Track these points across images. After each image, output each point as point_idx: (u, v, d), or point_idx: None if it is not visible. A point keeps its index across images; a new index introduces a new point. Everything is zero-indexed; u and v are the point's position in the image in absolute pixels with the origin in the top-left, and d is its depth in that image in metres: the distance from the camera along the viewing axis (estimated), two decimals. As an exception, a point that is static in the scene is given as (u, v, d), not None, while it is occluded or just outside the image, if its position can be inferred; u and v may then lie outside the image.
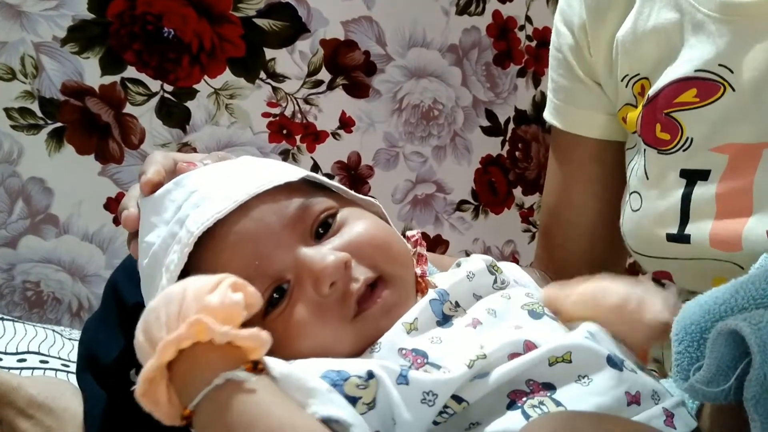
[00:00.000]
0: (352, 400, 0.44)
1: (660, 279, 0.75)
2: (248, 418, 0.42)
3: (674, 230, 0.62)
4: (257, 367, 0.44)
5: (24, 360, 0.76)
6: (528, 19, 1.24)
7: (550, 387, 0.46)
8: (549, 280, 0.78)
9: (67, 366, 0.76)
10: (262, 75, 1.07)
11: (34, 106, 1.00)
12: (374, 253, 0.51)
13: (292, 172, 0.54)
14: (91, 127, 1.02)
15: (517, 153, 1.26)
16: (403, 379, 0.45)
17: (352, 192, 0.57)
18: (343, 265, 0.49)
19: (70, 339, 0.83)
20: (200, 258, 0.50)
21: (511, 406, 0.45)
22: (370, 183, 1.16)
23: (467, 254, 1.22)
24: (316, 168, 1.12)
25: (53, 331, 0.84)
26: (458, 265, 0.56)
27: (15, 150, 1.00)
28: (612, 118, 0.72)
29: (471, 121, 1.21)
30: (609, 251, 0.76)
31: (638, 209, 0.66)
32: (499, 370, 0.46)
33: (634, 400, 0.46)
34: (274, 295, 0.50)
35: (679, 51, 0.62)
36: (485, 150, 1.23)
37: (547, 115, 0.76)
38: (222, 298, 0.44)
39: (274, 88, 1.08)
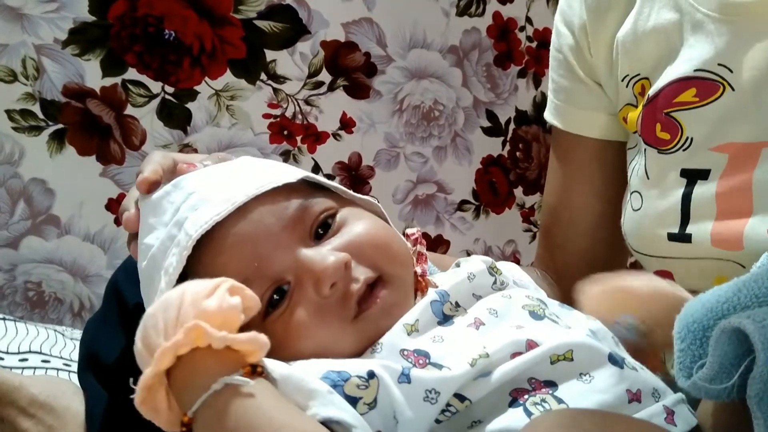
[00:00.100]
0: (353, 401, 0.44)
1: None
2: (247, 422, 0.42)
3: (675, 230, 0.62)
4: (256, 371, 0.44)
5: (26, 360, 0.76)
6: (528, 20, 1.24)
7: (551, 385, 0.46)
8: (549, 279, 0.78)
9: (69, 366, 0.76)
10: (263, 76, 1.07)
11: (36, 108, 1.00)
12: (374, 253, 0.51)
13: (291, 173, 0.54)
14: (92, 128, 1.02)
15: (517, 153, 1.26)
16: (405, 378, 0.45)
17: (351, 192, 0.57)
18: (343, 265, 0.49)
19: (71, 339, 0.83)
20: (199, 261, 0.50)
21: (513, 403, 0.45)
22: (370, 183, 1.16)
23: (468, 254, 1.23)
24: (317, 169, 1.12)
25: (55, 331, 0.84)
26: (458, 265, 0.56)
27: (16, 151, 1.00)
28: (613, 118, 0.72)
29: (472, 122, 1.21)
30: (610, 251, 0.76)
31: (639, 209, 0.66)
32: (502, 369, 0.46)
33: (635, 397, 0.46)
34: (274, 296, 0.50)
35: (678, 51, 0.63)
36: (486, 150, 1.23)
37: (548, 116, 0.76)
38: (219, 302, 0.44)
39: (275, 90, 1.08)
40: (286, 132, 1.10)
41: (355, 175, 1.15)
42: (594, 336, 0.50)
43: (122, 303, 0.64)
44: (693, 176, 0.61)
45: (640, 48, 0.65)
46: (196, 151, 1.05)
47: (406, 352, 0.48)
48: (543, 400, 0.45)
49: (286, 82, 1.08)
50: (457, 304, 0.52)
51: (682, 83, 0.62)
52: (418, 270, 0.54)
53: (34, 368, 0.75)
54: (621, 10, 0.67)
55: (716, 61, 0.60)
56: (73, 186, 1.03)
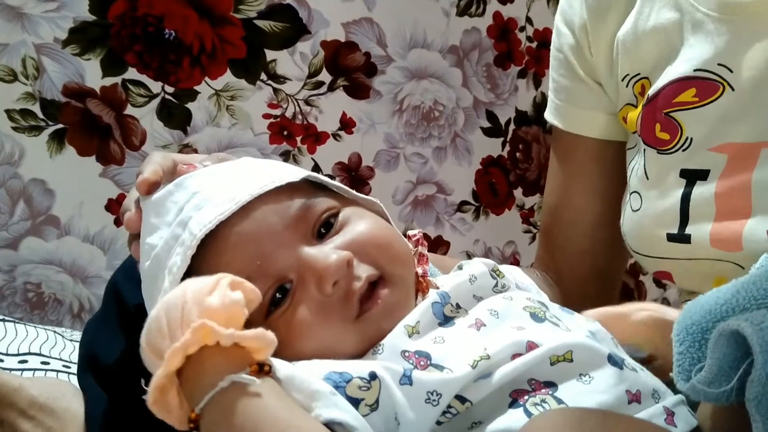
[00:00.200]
0: (355, 402, 0.44)
1: (661, 279, 0.75)
2: (253, 420, 0.42)
3: (674, 230, 0.62)
4: (263, 369, 0.44)
5: (25, 361, 0.76)
6: (528, 20, 1.24)
7: (551, 385, 0.46)
8: (550, 280, 0.78)
9: (69, 367, 0.76)
10: (263, 76, 1.07)
11: (36, 108, 1.00)
12: (376, 251, 0.51)
13: (294, 173, 0.54)
14: (92, 128, 1.02)
15: (517, 154, 1.26)
16: (406, 380, 0.45)
17: (354, 191, 0.57)
18: (345, 263, 0.49)
19: (71, 340, 0.83)
20: (202, 259, 0.51)
21: (513, 404, 0.45)
22: (370, 184, 1.16)
23: (468, 255, 1.23)
24: (316, 169, 1.12)
25: (54, 332, 0.84)
26: (460, 267, 0.57)
27: (16, 151, 1.00)
28: (613, 118, 0.72)
29: (471, 122, 1.21)
30: (610, 252, 0.76)
31: (638, 209, 0.66)
32: (502, 370, 0.46)
33: (634, 398, 0.46)
34: (277, 295, 0.50)
35: (678, 50, 0.63)
36: (486, 151, 1.23)
37: (548, 115, 0.76)
38: (222, 298, 0.44)
39: (275, 90, 1.08)
40: (286, 132, 1.10)
41: (355, 175, 1.15)
42: (593, 337, 0.50)
43: (122, 304, 0.64)
44: (692, 177, 0.61)
45: (641, 47, 0.65)
46: (196, 151, 1.05)
47: (407, 354, 0.48)
48: (543, 401, 0.45)
49: (286, 82, 1.08)
50: (458, 306, 0.52)
51: (681, 83, 0.62)
52: (420, 271, 0.54)
53: (34, 370, 0.75)
54: (621, 10, 0.67)
55: (716, 61, 0.60)
56: (72, 186, 1.02)
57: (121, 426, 0.62)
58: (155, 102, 1.03)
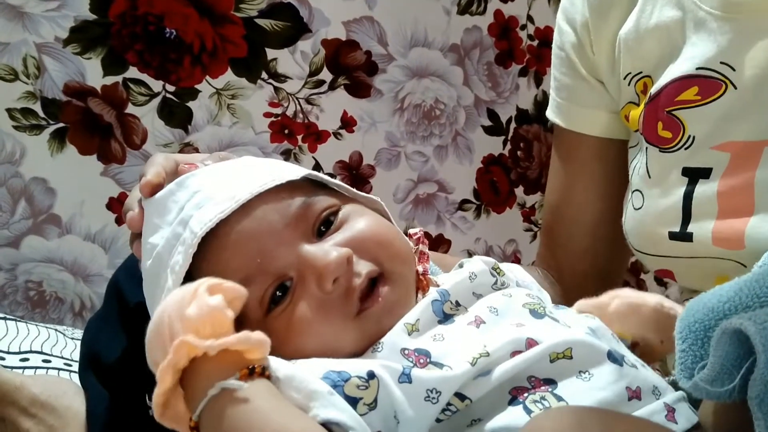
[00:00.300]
0: (353, 401, 0.44)
1: (662, 278, 0.75)
2: (244, 425, 0.42)
3: (676, 228, 0.62)
4: (255, 371, 0.44)
5: (27, 359, 0.76)
6: (529, 18, 1.24)
7: (551, 382, 0.46)
8: (551, 279, 0.78)
9: (70, 365, 0.76)
10: (264, 75, 1.07)
11: (37, 107, 1.00)
12: (376, 248, 0.51)
13: (294, 171, 0.54)
14: (93, 127, 1.02)
15: (518, 152, 1.26)
16: (405, 378, 0.45)
17: (354, 190, 0.57)
18: (345, 260, 0.49)
19: (72, 338, 0.83)
20: (204, 258, 0.51)
21: (512, 402, 0.45)
22: (371, 182, 1.16)
23: (469, 254, 1.23)
24: (317, 168, 1.12)
25: (56, 330, 0.84)
26: (461, 266, 0.57)
27: (17, 150, 1.00)
28: (614, 117, 0.72)
29: (473, 121, 1.21)
30: (611, 250, 0.76)
31: (640, 208, 0.66)
32: (502, 368, 0.46)
33: (634, 395, 0.46)
34: (277, 293, 0.50)
35: (681, 49, 0.62)
36: (487, 149, 1.23)
37: (550, 114, 0.76)
38: (200, 308, 0.44)
39: (276, 88, 1.08)
40: (287, 131, 1.10)
41: (356, 174, 1.15)
42: (593, 334, 0.50)
43: (123, 302, 0.64)
44: (694, 175, 0.61)
45: (643, 46, 0.65)
46: (197, 150, 1.05)
47: (407, 352, 0.48)
48: (542, 398, 0.45)
49: (287, 81, 1.08)
50: (458, 303, 0.52)
51: (684, 81, 0.62)
52: (420, 269, 0.54)
53: (35, 368, 0.75)
54: (623, 8, 0.67)
55: (718, 59, 0.59)
56: (74, 185, 1.03)
57: (123, 424, 0.62)
58: (156, 101, 1.04)
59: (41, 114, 1.00)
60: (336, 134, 1.13)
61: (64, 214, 1.03)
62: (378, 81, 1.13)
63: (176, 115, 1.05)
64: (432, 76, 1.16)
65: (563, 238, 0.78)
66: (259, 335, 0.44)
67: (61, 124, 1.01)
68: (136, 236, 0.56)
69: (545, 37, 1.24)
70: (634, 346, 0.53)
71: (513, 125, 1.25)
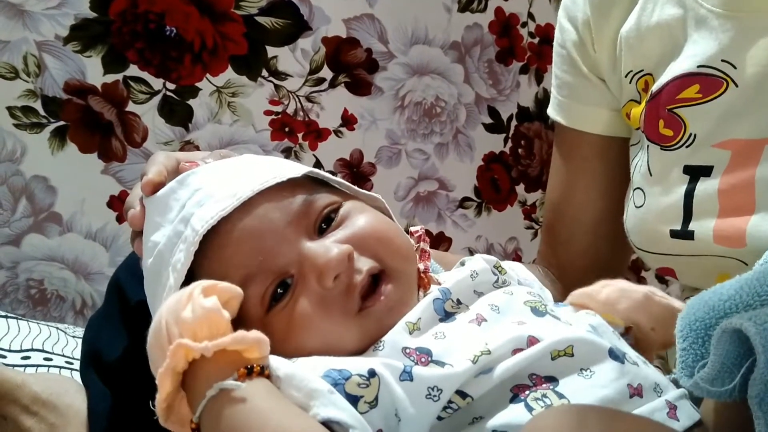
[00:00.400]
0: (354, 399, 0.44)
1: (664, 276, 0.75)
2: (243, 425, 0.42)
3: (678, 227, 0.62)
4: (253, 371, 0.44)
5: (28, 357, 0.76)
6: (530, 15, 1.24)
7: (552, 380, 0.46)
8: (552, 276, 0.78)
9: (71, 363, 0.76)
10: (264, 73, 1.07)
11: (37, 105, 1.00)
12: (377, 245, 0.51)
13: (295, 169, 0.54)
14: (93, 125, 1.02)
15: (519, 150, 1.26)
16: (407, 376, 0.45)
17: (355, 187, 0.57)
18: (346, 257, 0.49)
19: (73, 336, 0.83)
20: (205, 255, 0.51)
21: (514, 399, 0.45)
22: (372, 180, 1.16)
23: (470, 252, 1.23)
24: (318, 166, 1.12)
25: (57, 328, 0.84)
26: (462, 264, 0.57)
27: (18, 148, 1.00)
28: (616, 115, 0.72)
29: (473, 119, 1.21)
30: (612, 248, 0.76)
31: (641, 206, 0.66)
32: (503, 366, 0.46)
33: (636, 392, 0.46)
34: (278, 290, 0.50)
35: (682, 47, 0.62)
36: (488, 147, 1.23)
37: (551, 111, 0.76)
38: (194, 310, 0.44)
39: (276, 86, 1.08)
40: (287, 129, 1.10)
41: (357, 172, 1.15)
42: (594, 331, 0.50)
43: (124, 300, 0.64)
44: (696, 173, 0.61)
45: (644, 44, 0.65)
46: (197, 147, 1.05)
47: (408, 350, 0.48)
48: (544, 396, 0.45)
49: (288, 79, 1.08)
50: (459, 301, 0.52)
51: (685, 79, 0.62)
52: (421, 267, 0.54)
53: (37, 366, 0.75)
54: (624, 6, 0.67)
55: (720, 57, 0.59)
56: (74, 183, 1.03)
57: (125, 422, 0.62)
58: (156, 99, 1.03)
59: (42, 112, 1.00)
60: (336, 132, 1.12)
61: (65, 212, 1.03)
62: (378, 79, 1.13)
63: (177, 113, 1.05)
64: (433, 74, 1.16)
65: (564, 235, 0.78)
66: (255, 334, 0.44)
67: (62, 122, 1.01)
68: (138, 234, 0.56)
69: (546, 34, 1.24)
70: (627, 332, 0.53)
71: (514, 123, 1.25)
